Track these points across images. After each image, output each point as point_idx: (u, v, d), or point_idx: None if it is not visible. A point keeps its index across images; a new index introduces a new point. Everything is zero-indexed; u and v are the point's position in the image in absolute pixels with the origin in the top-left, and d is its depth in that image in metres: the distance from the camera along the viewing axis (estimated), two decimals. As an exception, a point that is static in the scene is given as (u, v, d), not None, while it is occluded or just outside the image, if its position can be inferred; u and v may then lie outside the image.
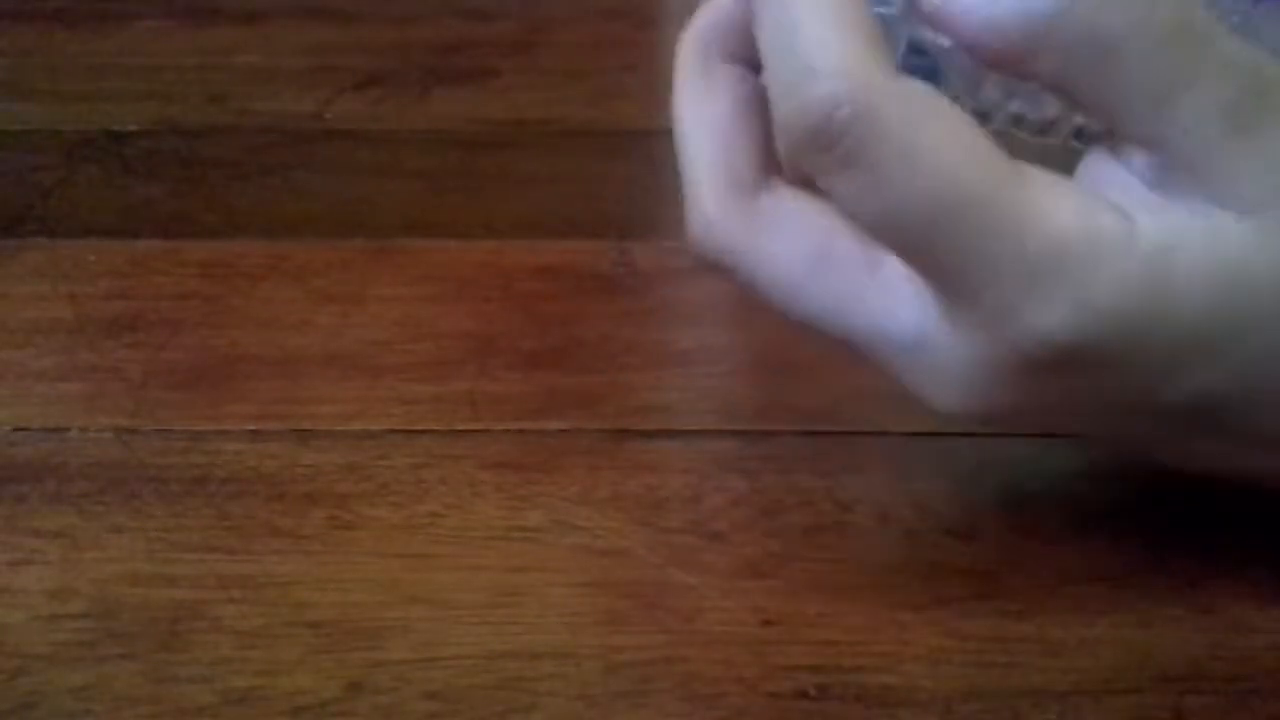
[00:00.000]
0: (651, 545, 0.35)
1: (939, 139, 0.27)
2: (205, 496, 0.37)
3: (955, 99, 0.28)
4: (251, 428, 0.39)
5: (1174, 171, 0.28)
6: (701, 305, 0.45)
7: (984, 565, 0.35)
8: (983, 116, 0.30)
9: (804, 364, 0.41)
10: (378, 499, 0.37)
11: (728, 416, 0.40)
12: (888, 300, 0.30)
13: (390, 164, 0.53)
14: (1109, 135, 0.29)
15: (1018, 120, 0.31)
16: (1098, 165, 0.30)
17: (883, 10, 0.29)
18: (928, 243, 0.28)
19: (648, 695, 0.31)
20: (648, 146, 0.52)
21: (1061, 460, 0.38)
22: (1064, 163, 0.30)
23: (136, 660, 0.32)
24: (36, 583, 0.35)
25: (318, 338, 0.43)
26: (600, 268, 0.46)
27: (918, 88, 0.28)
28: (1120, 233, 0.28)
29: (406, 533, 0.36)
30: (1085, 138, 0.31)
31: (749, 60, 0.30)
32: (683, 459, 0.38)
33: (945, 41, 0.29)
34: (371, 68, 0.60)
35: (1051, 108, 0.31)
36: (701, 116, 0.31)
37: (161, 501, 0.37)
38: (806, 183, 0.30)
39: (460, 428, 0.39)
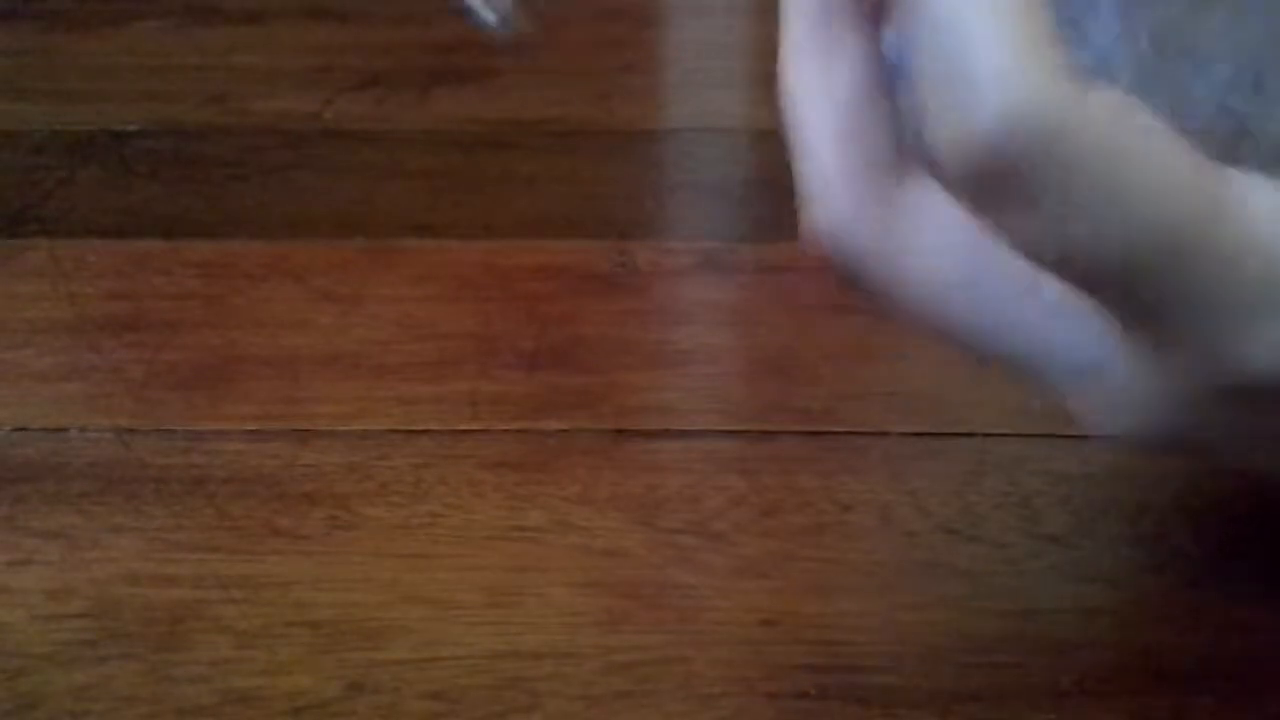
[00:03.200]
0: (651, 545, 0.35)
1: (1143, 160, 0.22)
2: (205, 496, 0.37)
3: None
4: (251, 428, 0.39)
5: None
6: (701, 305, 0.45)
7: (984, 565, 0.35)
8: None
9: (804, 364, 0.41)
10: (378, 499, 0.37)
11: (728, 416, 0.40)
12: (1057, 319, 0.25)
13: (390, 164, 0.53)
14: None
15: None
16: None
17: None
18: (1124, 281, 0.23)
19: (648, 695, 0.31)
20: (648, 146, 0.52)
21: (1061, 460, 0.38)
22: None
23: (136, 660, 0.32)
24: (36, 583, 0.35)
25: (318, 338, 0.43)
26: (600, 268, 0.46)
27: (1111, 97, 0.22)
28: None
29: (406, 533, 0.36)
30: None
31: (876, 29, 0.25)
32: (683, 459, 0.38)
33: None
34: (371, 68, 0.60)
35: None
36: (829, 90, 0.25)
37: (161, 501, 0.37)
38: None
39: (460, 428, 0.39)
